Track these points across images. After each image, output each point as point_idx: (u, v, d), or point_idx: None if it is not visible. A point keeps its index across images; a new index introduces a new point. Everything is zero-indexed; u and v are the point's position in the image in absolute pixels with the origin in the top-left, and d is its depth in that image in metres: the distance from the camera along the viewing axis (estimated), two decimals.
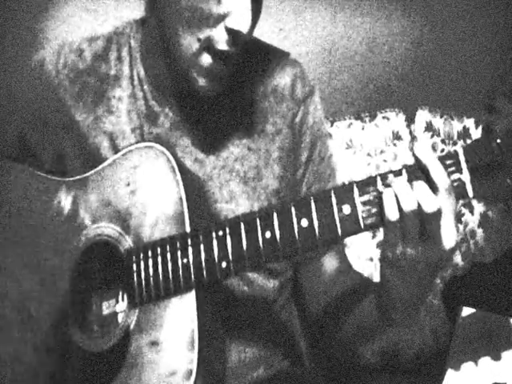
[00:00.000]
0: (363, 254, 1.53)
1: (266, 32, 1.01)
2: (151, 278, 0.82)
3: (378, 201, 0.73)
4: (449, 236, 0.72)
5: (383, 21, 1.81)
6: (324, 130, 1.04)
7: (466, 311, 1.01)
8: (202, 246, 0.80)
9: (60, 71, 0.98)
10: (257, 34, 0.91)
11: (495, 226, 1.64)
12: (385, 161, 1.59)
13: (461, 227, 1.61)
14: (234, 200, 0.95)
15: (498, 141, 0.70)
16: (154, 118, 0.96)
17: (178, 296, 0.81)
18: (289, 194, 0.99)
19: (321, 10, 1.76)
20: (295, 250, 0.76)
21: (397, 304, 0.81)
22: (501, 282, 1.43)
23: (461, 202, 1.54)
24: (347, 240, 1.34)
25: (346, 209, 0.74)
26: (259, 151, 0.97)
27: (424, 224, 0.71)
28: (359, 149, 1.58)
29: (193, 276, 0.80)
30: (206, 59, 0.85)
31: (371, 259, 1.53)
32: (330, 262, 1.02)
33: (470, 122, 1.66)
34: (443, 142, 1.64)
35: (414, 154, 0.73)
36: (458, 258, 1.59)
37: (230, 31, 0.82)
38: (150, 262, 0.83)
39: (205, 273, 0.79)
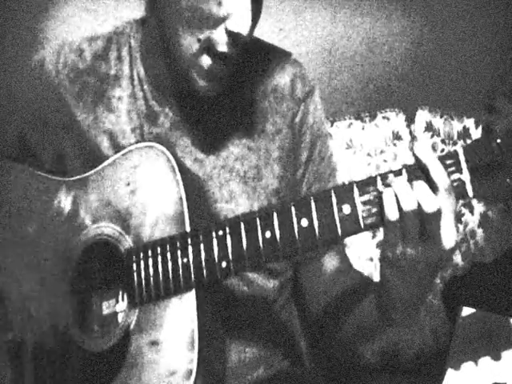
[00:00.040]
0: (363, 253, 1.53)
1: (266, 32, 1.01)
2: (151, 278, 0.82)
3: (378, 201, 0.73)
4: (449, 236, 0.72)
5: (383, 21, 1.81)
6: (324, 130, 1.04)
7: (466, 311, 1.01)
8: (202, 246, 0.80)
9: (60, 71, 0.98)
10: (257, 33, 0.90)
11: (495, 225, 1.64)
12: (385, 161, 1.59)
13: (461, 227, 1.61)
14: (233, 200, 0.95)
15: (498, 141, 0.70)
16: (154, 118, 0.96)
17: (178, 296, 0.81)
18: (289, 194, 0.99)
19: (321, 9, 1.76)
20: (295, 250, 0.76)
21: (397, 304, 0.81)
22: (501, 282, 1.43)
23: (461, 201, 1.54)
24: (347, 240, 1.33)
25: (346, 209, 0.74)
26: (259, 151, 0.97)
27: (424, 224, 0.71)
28: (359, 149, 1.58)
29: (193, 276, 0.80)
30: (206, 60, 0.85)
31: (371, 259, 1.53)
32: (330, 262, 1.02)
33: (470, 122, 1.66)
34: (443, 141, 1.64)
35: (413, 154, 0.73)
36: (458, 258, 1.59)
37: (230, 33, 0.82)
38: (150, 261, 0.83)
39: (205, 272, 0.79)
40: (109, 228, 0.87)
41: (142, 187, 0.86)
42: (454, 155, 0.72)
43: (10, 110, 1.03)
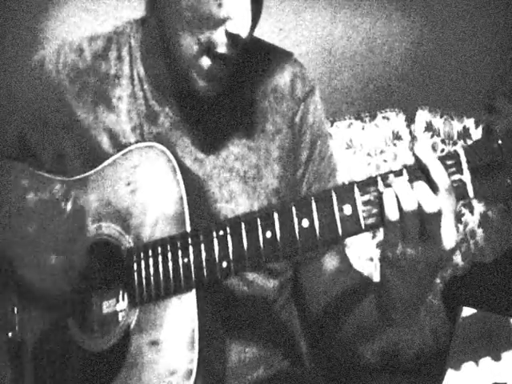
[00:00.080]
0: (363, 253, 1.53)
1: (266, 32, 1.01)
2: (152, 278, 0.82)
3: (379, 201, 0.73)
4: (449, 236, 0.72)
5: (383, 21, 1.81)
6: (324, 130, 1.04)
7: (466, 311, 1.01)
8: (202, 246, 0.80)
9: (60, 71, 0.98)
10: (257, 33, 0.90)
11: (495, 226, 1.64)
12: (385, 161, 1.59)
13: (461, 227, 1.61)
14: (233, 199, 0.95)
15: (500, 142, 0.70)
16: (154, 118, 0.96)
17: (178, 296, 0.81)
18: (289, 194, 0.99)
19: (321, 9, 1.76)
20: (295, 250, 0.76)
21: (397, 304, 0.81)
22: (501, 282, 1.43)
23: (461, 202, 1.54)
24: (347, 240, 1.33)
25: (347, 209, 0.74)
26: (259, 151, 0.97)
27: (424, 224, 0.71)
28: (359, 149, 1.58)
29: (193, 276, 0.80)
30: (206, 61, 0.85)
31: (371, 259, 1.53)
32: (330, 262, 1.02)
33: (470, 122, 1.66)
34: (443, 141, 1.64)
35: (414, 154, 0.73)
36: (458, 258, 1.59)
37: (230, 35, 0.82)
38: (151, 261, 0.83)
39: (205, 272, 0.79)
40: (109, 228, 0.87)
41: (143, 187, 0.86)
42: (454, 156, 0.72)
43: (10, 110, 1.03)
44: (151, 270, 0.82)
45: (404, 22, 1.83)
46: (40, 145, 1.01)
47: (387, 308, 0.83)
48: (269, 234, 0.77)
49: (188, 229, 0.82)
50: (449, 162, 0.72)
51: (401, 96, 1.83)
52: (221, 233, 0.79)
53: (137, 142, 0.89)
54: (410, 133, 1.64)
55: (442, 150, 1.63)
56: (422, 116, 1.65)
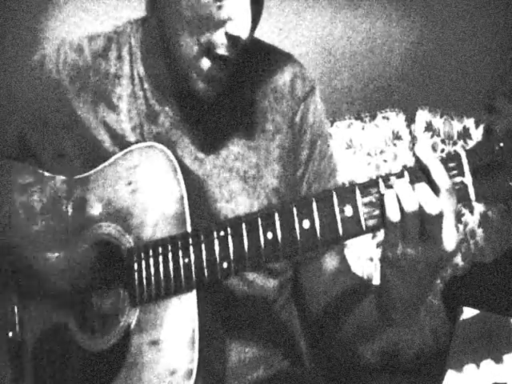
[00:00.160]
0: (363, 254, 1.53)
1: (265, 32, 1.01)
2: (152, 278, 0.82)
3: (380, 202, 0.73)
4: (449, 237, 0.72)
5: (383, 21, 1.81)
6: (324, 130, 1.04)
7: (466, 311, 1.01)
8: (203, 246, 0.80)
9: (60, 70, 0.98)
10: (257, 34, 0.91)
11: (495, 226, 1.64)
12: (385, 161, 1.59)
13: (461, 227, 1.61)
14: (233, 199, 0.95)
15: (501, 144, 0.70)
16: (154, 117, 0.96)
17: (178, 295, 0.81)
18: (289, 194, 0.99)
19: (321, 9, 1.76)
20: (296, 251, 0.76)
21: (397, 304, 0.81)
22: (501, 282, 1.43)
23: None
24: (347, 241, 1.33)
25: (348, 210, 0.74)
26: (259, 150, 0.97)
27: (424, 224, 0.71)
28: (359, 149, 1.58)
29: (194, 276, 0.80)
30: (206, 63, 0.85)
31: (371, 259, 1.53)
32: (330, 262, 1.02)
33: (470, 122, 1.66)
34: (443, 141, 1.64)
35: (414, 155, 0.73)
36: (458, 258, 1.59)
37: (230, 37, 0.82)
38: (151, 261, 0.83)
39: (206, 272, 0.79)
40: (109, 227, 0.87)
41: (143, 187, 0.86)
42: (456, 158, 0.72)
43: (10, 110, 1.03)
44: (152, 269, 0.82)
45: (404, 22, 1.83)
46: (40, 145, 1.01)
47: (387, 308, 0.83)
48: (270, 235, 0.77)
49: (189, 229, 0.82)
50: (450, 165, 0.72)
51: (401, 96, 1.83)
52: (222, 233, 0.79)
53: (137, 142, 0.89)
54: (410, 133, 1.64)
55: (442, 150, 1.64)
56: (422, 116, 1.65)
